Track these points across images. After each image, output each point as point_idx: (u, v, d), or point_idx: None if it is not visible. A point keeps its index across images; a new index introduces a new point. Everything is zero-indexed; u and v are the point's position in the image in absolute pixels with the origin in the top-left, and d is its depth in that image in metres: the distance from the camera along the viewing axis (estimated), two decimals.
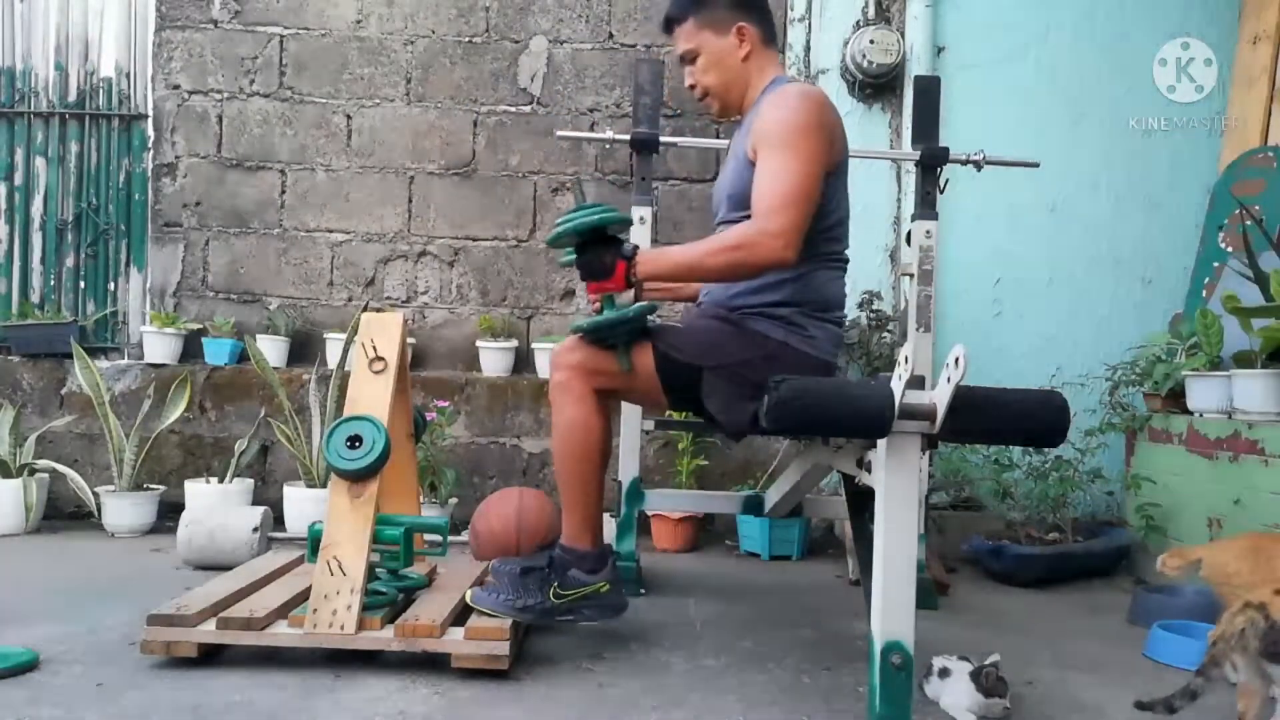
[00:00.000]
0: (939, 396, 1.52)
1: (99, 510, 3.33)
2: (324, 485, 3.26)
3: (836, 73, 3.68)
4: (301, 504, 3.30)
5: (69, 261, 3.97)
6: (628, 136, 2.80)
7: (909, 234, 2.75)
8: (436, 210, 3.90)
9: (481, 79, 3.90)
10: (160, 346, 3.70)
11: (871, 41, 3.53)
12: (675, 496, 3.15)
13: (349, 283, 3.91)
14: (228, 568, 2.51)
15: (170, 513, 3.36)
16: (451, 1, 3.90)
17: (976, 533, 3.16)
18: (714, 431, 2.52)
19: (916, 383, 1.53)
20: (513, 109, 3.90)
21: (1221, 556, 1.94)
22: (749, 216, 1.90)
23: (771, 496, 2.73)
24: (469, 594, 2.02)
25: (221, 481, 3.43)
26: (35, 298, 3.95)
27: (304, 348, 3.81)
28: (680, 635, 2.26)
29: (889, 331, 3.38)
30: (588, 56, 3.90)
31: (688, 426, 3.28)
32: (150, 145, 3.93)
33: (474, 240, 3.91)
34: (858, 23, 3.66)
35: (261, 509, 2.99)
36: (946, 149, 2.73)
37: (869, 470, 1.73)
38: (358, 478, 1.97)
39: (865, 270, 3.59)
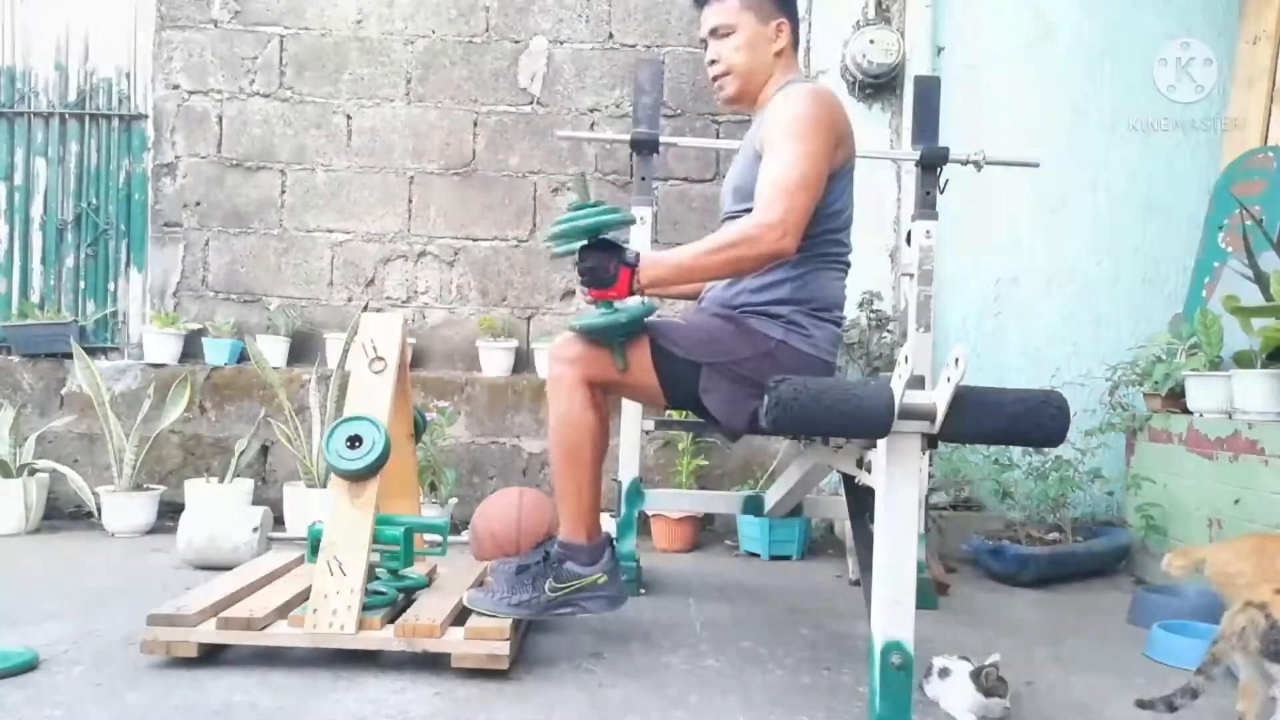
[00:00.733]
0: (939, 396, 1.52)
1: (99, 510, 3.33)
2: (324, 485, 3.26)
3: (836, 73, 3.68)
4: (301, 504, 3.30)
5: (69, 261, 3.97)
6: (628, 136, 2.80)
7: (909, 234, 2.75)
8: (436, 210, 3.90)
9: (481, 79, 3.90)
10: (160, 346, 3.70)
11: (871, 41, 3.53)
12: (675, 496, 3.15)
13: (349, 283, 3.91)
14: (228, 568, 2.51)
15: (170, 513, 3.36)
16: (451, 1, 3.90)
17: (976, 533, 3.16)
18: (713, 430, 2.51)
19: (916, 383, 1.53)
20: (513, 109, 3.90)
21: (1225, 556, 1.94)
22: (752, 209, 1.91)
23: (771, 496, 2.73)
24: (466, 596, 2.02)
25: (221, 481, 3.43)
26: (35, 298, 3.95)
27: (304, 348, 3.81)
28: (680, 635, 2.26)
29: (889, 331, 3.38)
30: (588, 56, 3.90)
31: (688, 426, 3.28)
32: (150, 145, 3.93)
33: (474, 240, 3.91)
34: (858, 23, 3.66)
35: (261, 509, 2.99)
36: (946, 149, 2.73)
37: (869, 470, 1.73)
38: (358, 478, 1.97)
39: (865, 270, 3.59)
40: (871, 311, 3.35)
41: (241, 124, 3.89)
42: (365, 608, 1.92)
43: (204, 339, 3.76)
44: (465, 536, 2.88)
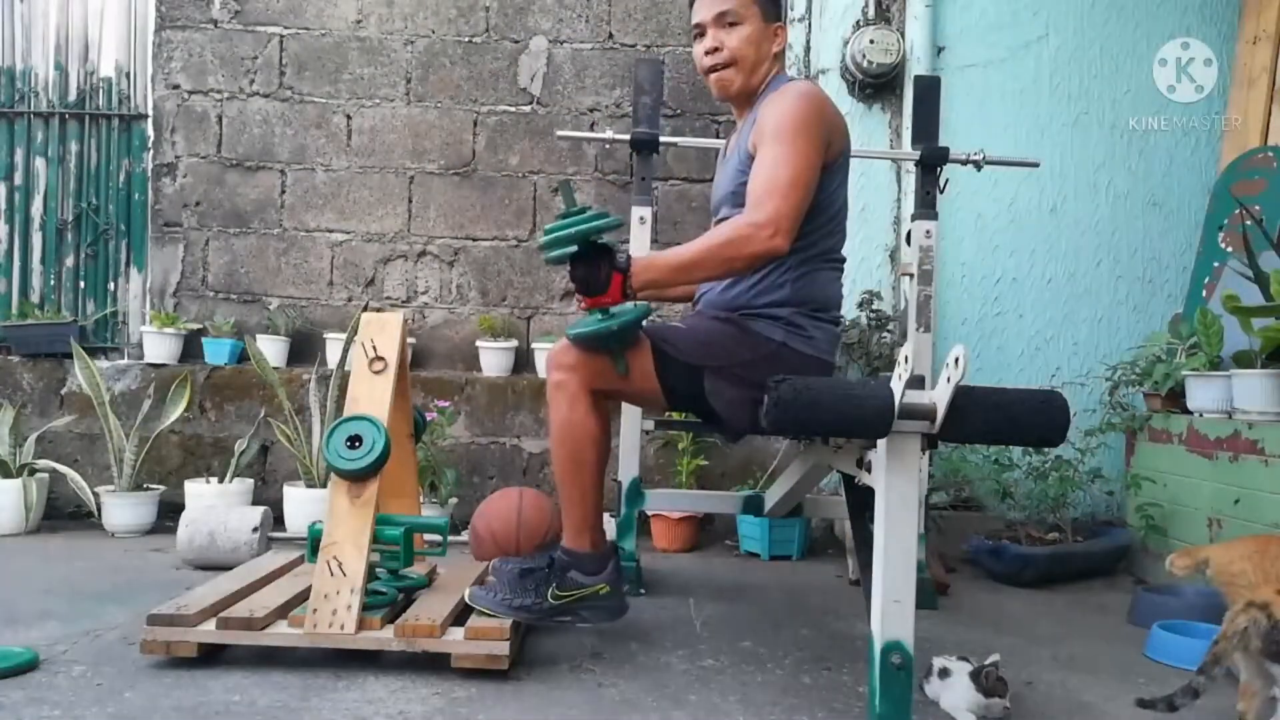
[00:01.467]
0: (939, 396, 1.52)
1: (99, 510, 3.33)
2: (324, 485, 3.26)
3: (836, 73, 3.68)
4: (301, 504, 3.30)
5: (69, 261, 3.97)
6: (628, 136, 2.80)
7: (909, 234, 2.75)
8: (436, 210, 3.90)
9: (481, 79, 3.90)
10: (160, 346, 3.70)
11: (871, 41, 3.53)
12: (675, 496, 3.15)
13: (349, 283, 3.91)
14: (228, 568, 2.51)
15: (170, 513, 3.35)
16: (451, 1, 3.90)
17: (976, 533, 3.16)
18: (714, 431, 2.51)
19: (916, 383, 1.53)
20: (513, 109, 3.90)
21: (1227, 556, 1.95)
22: None
23: (771, 496, 2.73)
24: (468, 592, 2.02)
25: (221, 481, 3.43)
26: (35, 298, 3.95)
27: (304, 348, 3.81)
28: (680, 635, 2.26)
29: (889, 331, 3.38)
30: (588, 56, 3.90)
31: (688, 426, 3.28)
32: (150, 145, 3.93)
33: (474, 240, 3.91)
34: (858, 23, 3.66)
35: (261, 509, 2.99)
36: (946, 149, 2.73)
37: (869, 470, 1.73)
38: (358, 478, 1.97)
39: (865, 270, 3.60)
40: (871, 311, 3.35)
41: (241, 124, 3.89)
42: (365, 608, 1.91)
43: (204, 339, 3.76)
44: (465, 536, 2.88)
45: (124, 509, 3.33)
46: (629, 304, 1.92)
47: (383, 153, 3.90)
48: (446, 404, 3.49)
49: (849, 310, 3.08)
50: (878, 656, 1.57)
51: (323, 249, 3.90)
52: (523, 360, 3.81)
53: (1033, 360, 3.63)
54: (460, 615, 2.01)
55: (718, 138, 3.81)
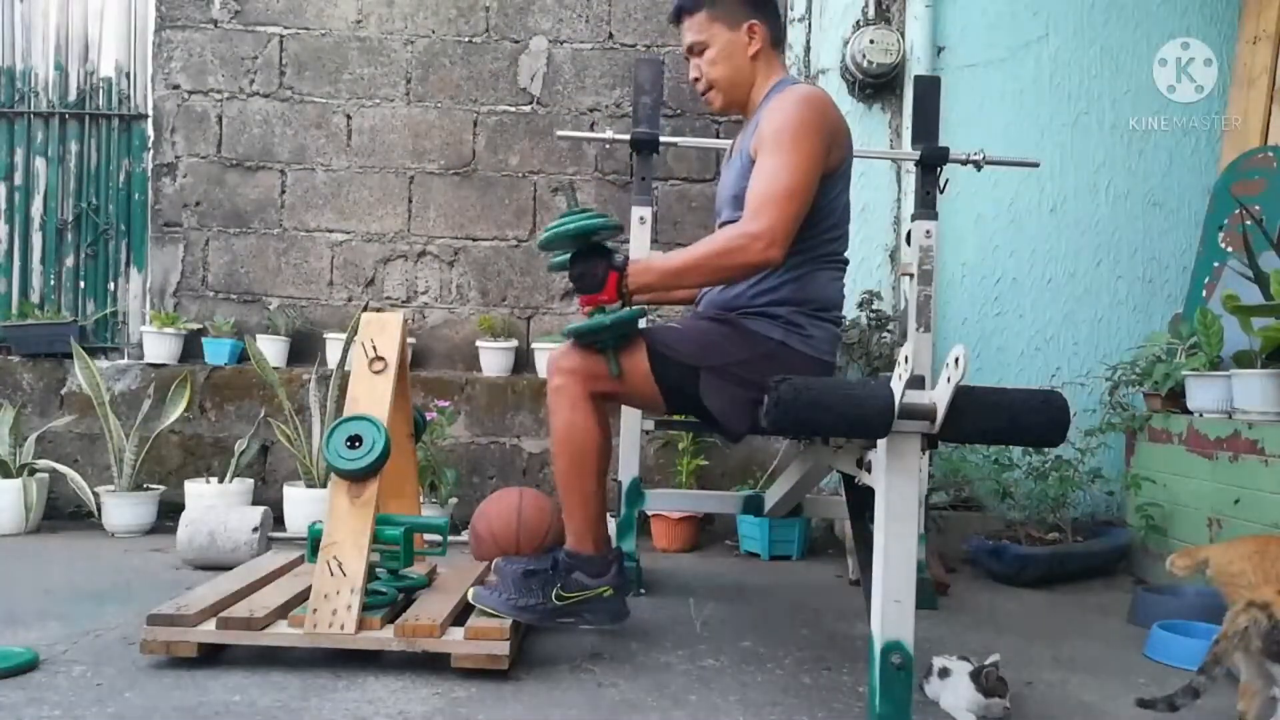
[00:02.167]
0: (939, 396, 1.52)
1: (99, 510, 3.33)
2: (324, 485, 3.26)
3: (836, 73, 3.68)
4: (301, 504, 3.30)
5: (69, 261, 3.97)
6: (628, 136, 2.80)
7: (909, 234, 2.75)
8: (436, 210, 3.90)
9: (481, 79, 3.90)
10: (160, 346, 3.70)
11: (871, 41, 3.53)
12: (675, 496, 3.15)
13: (349, 283, 3.91)
14: (228, 568, 2.51)
15: (170, 513, 3.35)
16: (451, 1, 3.90)
17: (976, 533, 3.16)
18: (715, 433, 2.51)
19: (916, 383, 1.53)
20: (513, 109, 3.90)
21: (1227, 556, 1.95)
22: None
23: (771, 496, 2.73)
24: (471, 592, 2.02)
25: (221, 481, 3.43)
26: (35, 298, 3.95)
27: (304, 348, 3.81)
28: (680, 635, 2.26)
29: (889, 331, 3.38)
30: (588, 56, 3.90)
31: (688, 426, 3.28)
32: (150, 145, 3.93)
33: (474, 240, 3.91)
34: (858, 23, 3.66)
35: (261, 509, 2.99)
36: (946, 149, 2.73)
37: (869, 470, 1.73)
38: (358, 478, 1.97)
39: (865, 270, 3.60)
40: (871, 311, 3.35)
41: (241, 124, 3.89)
42: (365, 608, 1.91)
43: (204, 339, 3.76)
44: (465, 536, 2.88)
45: (124, 509, 3.33)
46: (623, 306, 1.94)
47: (383, 153, 3.90)
48: (446, 404, 3.49)
49: (849, 310, 3.08)
50: (878, 656, 1.57)
51: (323, 249, 3.90)
52: (523, 360, 3.81)
53: (1033, 360, 3.63)
54: (460, 615, 2.01)
55: (718, 138, 3.81)
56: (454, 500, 3.42)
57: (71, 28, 3.96)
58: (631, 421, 2.72)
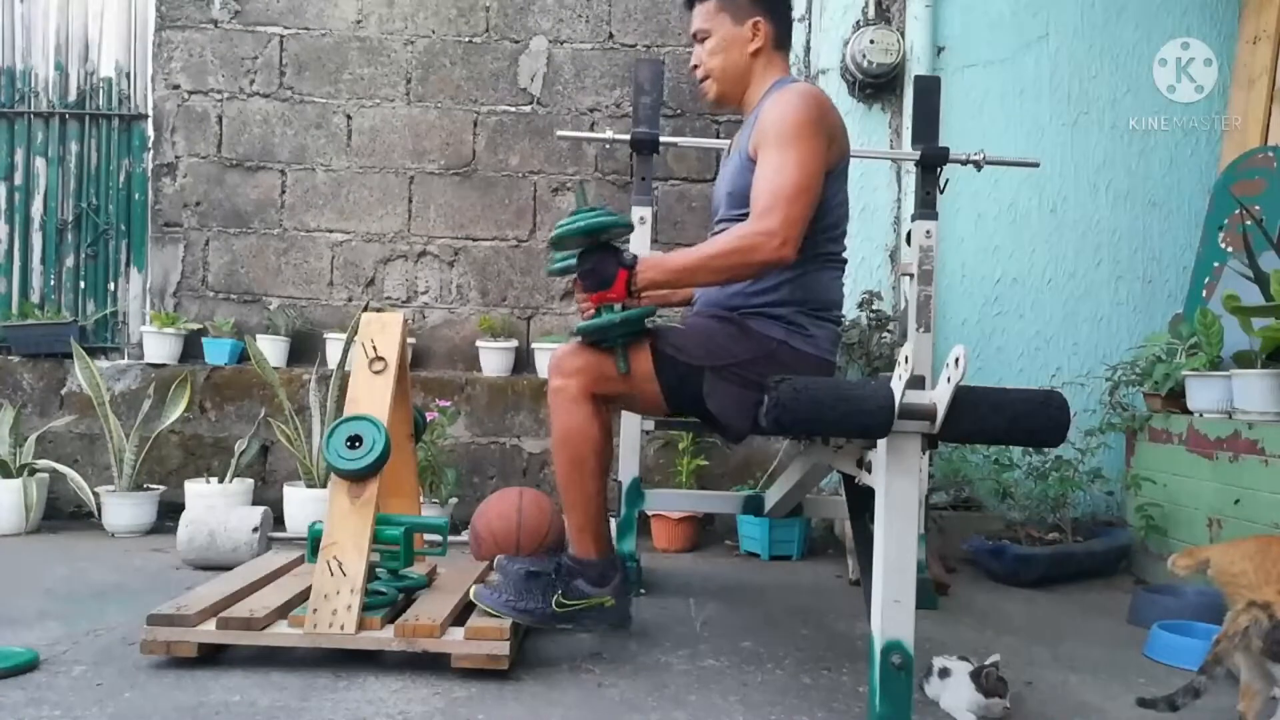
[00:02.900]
0: (939, 396, 1.52)
1: (99, 510, 3.33)
2: (324, 485, 3.26)
3: (836, 73, 3.67)
4: (301, 504, 3.30)
5: (69, 261, 3.97)
6: (628, 136, 2.79)
7: (909, 234, 2.75)
8: (436, 210, 3.90)
9: (481, 79, 3.90)
10: (160, 346, 3.70)
11: (871, 41, 3.52)
12: (675, 496, 3.15)
13: (349, 283, 3.91)
14: (228, 568, 2.51)
15: (170, 513, 3.35)
16: (451, 1, 3.90)
17: (976, 533, 3.16)
18: (715, 432, 2.51)
19: (916, 383, 1.52)
20: (513, 109, 3.90)
21: (1228, 556, 1.95)
22: (748, 214, 1.90)
23: (771, 496, 2.73)
24: (472, 590, 2.01)
25: (221, 481, 3.43)
26: (35, 298, 3.95)
27: (304, 348, 3.81)
28: (680, 635, 2.26)
29: (889, 331, 3.38)
30: (588, 56, 3.90)
31: (688, 426, 3.28)
32: (150, 145, 3.94)
33: (474, 240, 3.91)
34: (858, 23, 3.66)
35: (261, 509, 2.99)
36: (946, 149, 2.73)
37: (869, 470, 1.73)
38: (358, 478, 1.97)
39: (865, 270, 3.59)
40: (871, 311, 3.35)
41: (241, 124, 3.89)
42: (365, 608, 1.91)
43: (204, 339, 3.76)
44: (465, 536, 2.88)
45: (124, 509, 3.34)
46: (634, 303, 1.93)
47: (383, 153, 3.90)
48: (446, 404, 3.49)
49: (849, 310, 3.08)
50: (878, 656, 1.57)
51: (323, 249, 3.90)
52: (523, 360, 3.81)
53: (1033, 360, 3.63)
54: (460, 615, 2.01)
55: (718, 138, 3.81)
56: (454, 500, 3.42)
57: (71, 28, 3.96)
58: (631, 421, 2.72)
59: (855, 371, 3.29)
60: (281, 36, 3.89)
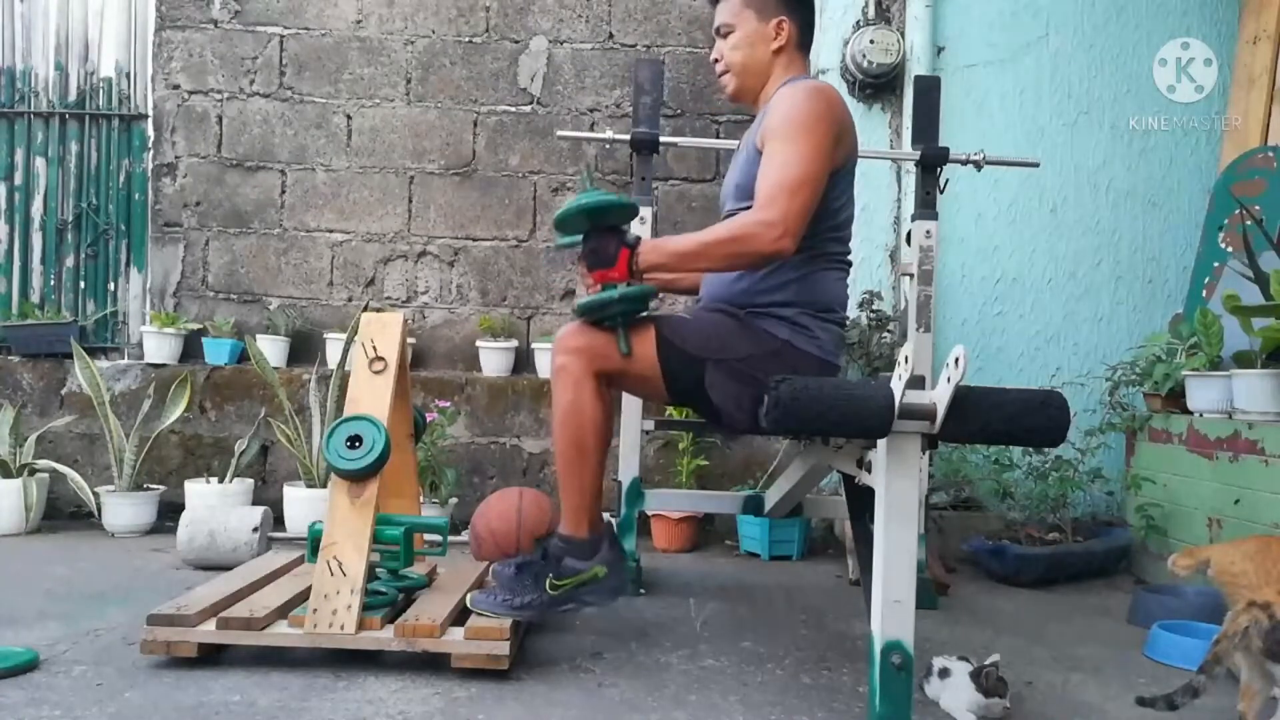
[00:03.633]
0: (939, 396, 1.52)
1: (99, 510, 3.33)
2: (324, 485, 3.26)
3: (836, 73, 3.68)
4: (301, 504, 3.30)
5: (69, 261, 3.97)
6: (628, 136, 2.80)
7: (909, 234, 2.75)
8: (436, 210, 3.90)
9: (481, 79, 3.90)
10: (160, 346, 3.70)
11: (871, 41, 3.53)
12: (675, 496, 3.15)
13: (349, 283, 3.91)
14: (228, 568, 2.51)
15: (170, 513, 3.35)
16: (451, 1, 3.90)
17: (976, 533, 3.16)
18: (713, 429, 2.51)
19: (916, 383, 1.53)
20: (513, 109, 3.90)
21: (1229, 556, 1.95)
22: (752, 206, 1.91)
23: (771, 496, 2.73)
24: (469, 597, 2.01)
25: (221, 481, 3.43)
26: (35, 298, 3.95)
27: (304, 348, 3.81)
28: (680, 635, 2.26)
29: (889, 331, 3.38)
30: (588, 56, 3.90)
31: (688, 426, 3.28)
32: (150, 145, 3.93)
33: (474, 240, 3.91)
34: (858, 23, 3.66)
35: (261, 509, 2.99)
36: (946, 149, 2.72)
37: (869, 470, 1.73)
38: (358, 478, 1.97)
39: (865, 270, 3.60)
40: (871, 311, 3.35)
41: (241, 124, 3.89)
42: (365, 608, 1.91)
43: (204, 339, 3.76)
44: (465, 536, 2.88)
45: (124, 509, 3.34)
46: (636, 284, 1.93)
47: (383, 153, 3.90)
48: (446, 404, 3.49)
49: (849, 310, 3.08)
50: (878, 656, 1.57)
51: (323, 249, 3.90)
52: (523, 360, 3.81)
53: (1033, 360, 3.63)
54: (460, 615, 2.01)
55: (718, 138, 3.81)
56: (454, 500, 3.42)
57: (71, 28, 3.96)
58: (631, 421, 2.72)
59: (855, 371, 3.29)
60: (281, 36, 3.89)
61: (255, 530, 2.89)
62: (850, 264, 2.12)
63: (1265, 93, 3.44)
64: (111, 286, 3.98)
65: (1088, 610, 2.71)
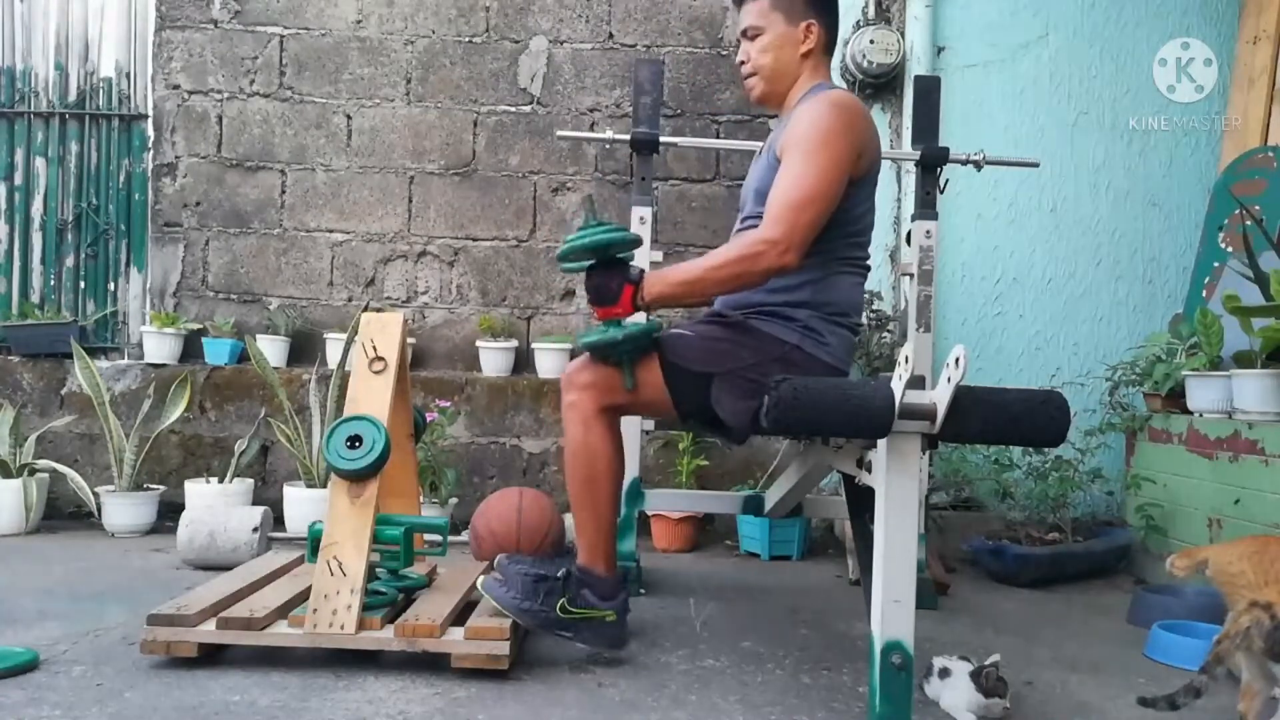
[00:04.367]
0: (939, 396, 1.52)
1: (99, 510, 3.33)
2: (324, 485, 3.26)
3: (837, 73, 3.67)
4: (301, 504, 3.30)
5: (69, 261, 3.97)
6: (628, 136, 2.80)
7: (909, 234, 2.75)
8: (436, 210, 3.90)
9: (481, 79, 3.90)
10: (160, 346, 3.70)
11: (871, 41, 3.53)
12: (675, 496, 3.15)
13: (349, 283, 3.91)
14: (228, 568, 2.51)
15: (170, 513, 3.35)
16: (451, 1, 3.89)
17: (976, 533, 3.16)
18: (722, 436, 2.50)
19: (916, 383, 1.53)
20: (513, 109, 3.90)
21: (1227, 556, 1.95)
22: None
23: (771, 496, 2.73)
24: (480, 580, 2.01)
25: (221, 481, 3.43)
26: (35, 298, 3.95)
27: (304, 348, 3.81)
28: (680, 635, 2.26)
29: (889, 331, 3.38)
30: (588, 56, 3.90)
31: (688, 426, 3.28)
32: (150, 145, 3.93)
33: (474, 240, 3.91)
34: (858, 23, 3.66)
35: (261, 509, 2.99)
36: (946, 149, 2.73)
37: (869, 470, 1.73)
38: (358, 478, 1.97)
39: None
40: (871, 311, 3.35)
41: (241, 124, 3.89)
42: (365, 608, 1.91)
43: (204, 339, 3.76)
44: (465, 536, 2.88)
45: (124, 509, 3.33)
46: (640, 317, 1.93)
47: (383, 153, 3.90)
48: (446, 404, 3.49)
49: None
50: (878, 656, 1.57)
51: (323, 249, 3.90)
52: (523, 360, 3.81)
53: (1033, 360, 3.63)
54: (460, 615, 2.01)
55: (718, 138, 3.81)
56: (454, 500, 3.42)
57: (71, 28, 3.96)
58: (631, 422, 2.71)
59: (855, 371, 3.29)
60: (281, 36, 3.89)
61: (255, 530, 2.89)
62: (868, 268, 2.11)
63: (1265, 93, 3.44)
64: (111, 286, 3.98)
65: (1088, 610, 2.72)
